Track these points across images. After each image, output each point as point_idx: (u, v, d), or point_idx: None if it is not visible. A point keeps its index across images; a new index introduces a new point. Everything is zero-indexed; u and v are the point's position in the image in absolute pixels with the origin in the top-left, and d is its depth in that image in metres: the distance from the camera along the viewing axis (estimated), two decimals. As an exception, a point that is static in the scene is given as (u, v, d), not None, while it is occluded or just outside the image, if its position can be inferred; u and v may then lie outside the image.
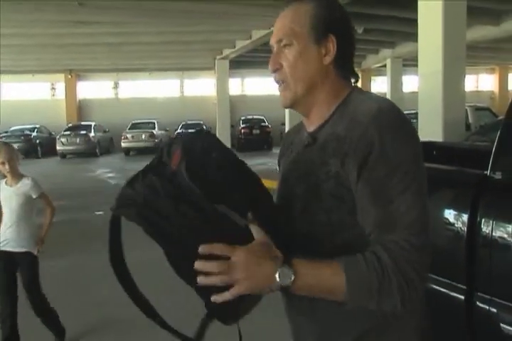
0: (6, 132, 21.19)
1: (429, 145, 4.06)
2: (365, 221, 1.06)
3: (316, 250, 1.10)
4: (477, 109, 12.75)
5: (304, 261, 1.03)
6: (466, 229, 2.14)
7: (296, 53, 1.16)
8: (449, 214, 2.32)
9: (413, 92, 22.66)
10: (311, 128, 1.21)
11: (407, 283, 1.01)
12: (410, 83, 22.66)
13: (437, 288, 2.23)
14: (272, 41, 1.21)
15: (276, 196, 1.27)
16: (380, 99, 1.14)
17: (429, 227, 1.06)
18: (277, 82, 1.20)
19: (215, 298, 0.99)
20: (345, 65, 1.19)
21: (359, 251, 1.04)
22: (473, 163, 2.57)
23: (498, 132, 2.34)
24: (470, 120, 11.26)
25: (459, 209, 2.27)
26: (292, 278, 1.00)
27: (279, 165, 1.35)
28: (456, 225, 2.23)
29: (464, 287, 2.12)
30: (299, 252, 1.07)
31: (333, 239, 1.11)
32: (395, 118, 1.09)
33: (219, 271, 0.98)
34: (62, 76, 24.49)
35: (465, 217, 2.17)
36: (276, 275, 1.00)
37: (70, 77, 24.63)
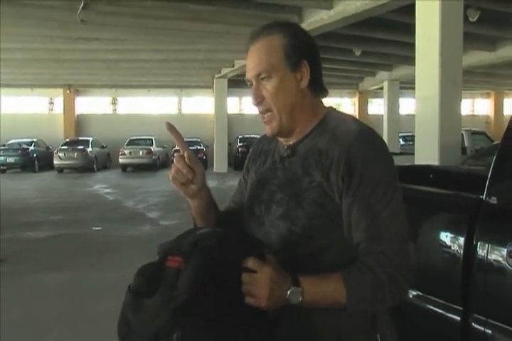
0: (4, 145, 21.15)
1: (426, 168, 4.13)
2: (355, 233, 1.17)
3: (295, 251, 1.20)
4: (473, 133, 12.88)
5: (308, 279, 1.12)
6: (462, 251, 2.19)
7: (275, 84, 1.23)
8: (446, 237, 2.38)
9: (409, 115, 22.89)
10: (289, 141, 1.29)
11: (397, 287, 1.15)
12: (407, 105, 22.91)
13: (433, 308, 2.28)
14: (250, 75, 1.26)
15: (246, 196, 1.36)
16: (357, 120, 1.27)
17: (407, 235, 1.20)
18: (262, 112, 1.27)
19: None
20: (318, 84, 1.28)
21: (336, 253, 1.19)
22: (469, 187, 2.62)
23: (494, 157, 2.39)
24: (466, 144, 11.36)
25: (455, 232, 2.32)
26: (300, 298, 1.10)
27: (247, 169, 1.42)
28: (452, 248, 2.28)
29: (460, 308, 2.16)
30: (278, 253, 1.16)
31: (312, 241, 1.20)
32: (374, 140, 1.21)
33: (245, 281, 1.08)
34: (60, 91, 24.55)
35: (461, 240, 2.23)
36: (288, 294, 1.10)
37: (68, 92, 24.69)
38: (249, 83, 1.28)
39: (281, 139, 1.31)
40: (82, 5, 8.68)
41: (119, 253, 6.51)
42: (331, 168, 1.17)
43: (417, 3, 6.77)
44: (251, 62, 1.26)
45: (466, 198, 2.47)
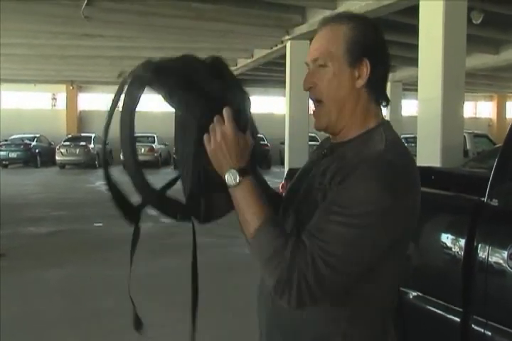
0: (6, 140, 21.21)
1: (428, 170, 4.14)
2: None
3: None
4: (475, 135, 12.85)
5: (251, 186, 1.14)
6: (463, 253, 2.20)
7: (330, 75, 1.18)
8: (447, 238, 2.39)
9: (412, 116, 22.88)
10: (336, 140, 1.26)
11: (299, 278, 1.04)
12: (409, 107, 22.91)
13: (433, 309, 2.29)
14: (308, 59, 1.23)
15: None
16: (395, 145, 1.15)
17: (342, 269, 1.06)
18: (314, 101, 1.23)
19: None
20: (377, 89, 1.21)
21: None
22: (471, 189, 2.64)
23: (496, 160, 2.41)
24: (468, 146, 11.35)
25: (456, 233, 2.34)
26: (232, 184, 1.14)
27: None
28: (453, 249, 2.30)
29: (460, 310, 2.18)
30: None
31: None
32: (382, 172, 1.08)
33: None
34: (63, 87, 24.57)
35: (462, 242, 2.24)
36: (226, 173, 1.14)
37: (71, 88, 24.71)
38: (307, 66, 1.25)
39: (331, 136, 1.29)
40: (86, 1, 8.70)
41: (120, 250, 6.46)
42: (336, 175, 1.14)
43: (420, 4, 6.77)
44: (312, 46, 1.23)
45: (468, 200, 2.48)
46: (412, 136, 15.50)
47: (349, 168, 1.10)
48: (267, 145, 20.82)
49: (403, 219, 1.11)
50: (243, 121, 1.17)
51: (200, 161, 1.17)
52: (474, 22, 9.20)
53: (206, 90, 1.14)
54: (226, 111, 1.14)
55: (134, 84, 1.16)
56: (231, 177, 1.14)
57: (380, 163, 1.09)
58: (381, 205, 1.05)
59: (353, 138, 1.20)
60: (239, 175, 1.13)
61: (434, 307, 2.29)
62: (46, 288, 5.05)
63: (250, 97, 1.24)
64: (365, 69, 1.17)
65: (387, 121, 1.24)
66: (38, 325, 4.08)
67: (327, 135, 1.31)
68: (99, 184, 15.09)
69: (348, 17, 1.22)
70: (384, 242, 1.09)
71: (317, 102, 1.22)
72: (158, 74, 1.15)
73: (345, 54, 1.17)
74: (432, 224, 2.57)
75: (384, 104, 1.24)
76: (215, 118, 1.14)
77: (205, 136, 1.16)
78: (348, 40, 1.17)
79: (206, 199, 1.21)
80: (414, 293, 2.40)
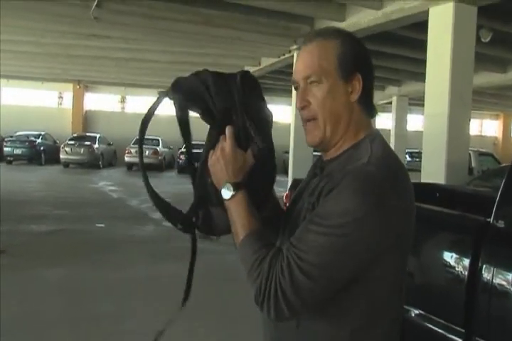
0: (11, 137, 21.22)
1: (432, 186, 4.16)
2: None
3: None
4: (480, 154, 12.82)
5: (243, 200, 1.18)
6: (467, 273, 2.21)
7: (324, 91, 1.17)
8: (450, 258, 2.40)
9: (417, 131, 22.90)
10: (327, 157, 1.26)
11: (276, 287, 1.06)
12: (415, 122, 22.93)
13: (435, 328, 2.29)
14: (298, 77, 1.20)
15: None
16: (378, 157, 1.14)
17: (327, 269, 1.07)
18: (306, 119, 1.21)
19: None
20: (367, 101, 1.21)
21: None
22: (475, 208, 2.64)
23: (503, 180, 2.40)
24: (473, 164, 11.32)
25: (461, 253, 2.34)
26: (226, 198, 1.19)
27: None
28: (456, 268, 2.30)
29: (463, 330, 2.18)
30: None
31: None
32: (364, 184, 1.08)
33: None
34: (70, 86, 24.58)
35: (466, 262, 2.25)
36: (222, 187, 1.20)
37: (78, 87, 24.74)
38: (294, 86, 1.23)
39: (322, 153, 1.28)
40: (95, 2, 8.76)
41: (121, 252, 6.54)
42: (321, 194, 1.14)
43: (429, 20, 6.81)
44: (301, 64, 1.20)
45: (473, 220, 2.48)
46: (416, 150, 15.54)
47: (334, 183, 1.11)
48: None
49: (383, 230, 1.09)
50: (246, 138, 1.21)
51: (205, 175, 1.24)
52: (483, 40, 9.23)
53: (211, 109, 1.22)
54: (228, 129, 1.20)
55: (158, 99, 1.28)
56: (226, 191, 1.19)
57: (360, 176, 1.09)
58: (357, 216, 1.05)
59: (341, 154, 1.21)
60: (233, 189, 1.19)
61: (436, 326, 2.29)
62: (46, 287, 5.04)
63: (272, 118, 1.27)
64: (358, 83, 1.18)
65: (376, 131, 1.24)
66: (38, 324, 4.06)
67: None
68: (103, 184, 15.12)
69: (334, 32, 1.22)
70: (362, 252, 1.08)
71: (310, 120, 1.21)
72: (174, 91, 1.25)
73: (338, 69, 1.17)
74: (436, 241, 2.58)
75: (374, 114, 1.25)
76: (221, 137, 1.21)
77: (211, 152, 1.23)
78: (339, 55, 1.17)
79: (205, 212, 1.27)
80: (416, 311, 2.40)
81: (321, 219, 1.08)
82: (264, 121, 1.24)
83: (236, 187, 1.19)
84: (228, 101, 1.20)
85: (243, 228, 1.17)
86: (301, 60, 1.21)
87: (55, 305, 4.54)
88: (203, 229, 1.29)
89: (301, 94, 1.20)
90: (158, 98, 1.27)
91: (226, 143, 1.20)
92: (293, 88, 1.27)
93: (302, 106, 1.20)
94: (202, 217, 1.27)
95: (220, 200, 1.21)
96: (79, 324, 4.15)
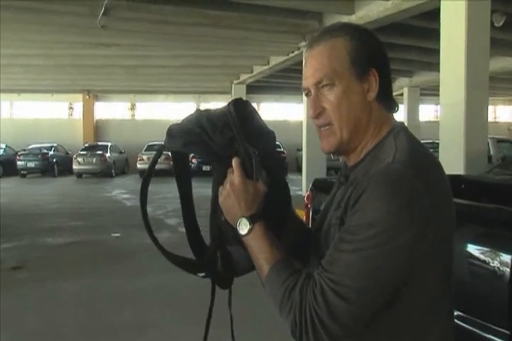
0: (24, 150, 21.45)
1: (457, 178, 3.99)
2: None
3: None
4: (498, 141, 12.61)
5: (262, 233, 1.08)
6: (509, 270, 2.05)
7: (339, 93, 1.07)
8: (489, 254, 2.24)
9: (429, 122, 22.66)
10: (350, 162, 1.15)
11: (311, 316, 0.96)
12: (427, 112, 22.68)
13: (477, 331, 2.14)
14: (308, 83, 1.11)
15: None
16: (404, 152, 1.02)
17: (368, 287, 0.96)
18: (320, 125, 1.11)
19: None
20: (386, 97, 1.12)
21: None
22: (504, 199, 2.49)
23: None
24: (492, 152, 11.12)
25: (499, 249, 2.19)
26: (243, 233, 1.10)
27: None
28: (497, 266, 2.15)
29: (507, 332, 2.03)
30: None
31: None
32: (387, 186, 0.96)
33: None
34: (80, 96, 24.83)
35: (507, 258, 2.09)
36: (238, 223, 1.10)
37: (87, 97, 24.97)
38: (305, 92, 1.13)
39: (345, 159, 1.17)
40: (102, 11, 8.72)
41: (139, 261, 6.43)
42: (349, 205, 1.03)
43: (442, 7, 6.64)
44: (310, 69, 1.10)
45: (509, 213, 2.34)
46: (430, 141, 15.27)
47: (359, 191, 1.00)
48: (283, 152, 20.72)
49: (419, 234, 0.96)
50: (253, 166, 1.13)
51: (218, 214, 1.16)
52: (496, 25, 9.04)
53: (213, 148, 1.14)
54: (234, 162, 1.11)
55: (156, 154, 1.26)
56: (242, 226, 1.10)
57: (385, 178, 0.98)
58: (388, 224, 0.94)
59: (364, 157, 1.10)
60: (249, 223, 1.10)
61: (478, 328, 2.13)
62: (65, 300, 4.99)
63: (274, 135, 1.19)
64: (374, 79, 1.08)
65: (400, 124, 1.13)
66: (59, 338, 4.02)
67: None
68: (116, 193, 15.10)
69: (341, 28, 1.11)
70: (401, 263, 0.96)
71: (325, 125, 1.10)
72: (169, 139, 1.18)
73: (351, 68, 1.07)
74: (470, 238, 2.42)
75: (394, 108, 1.15)
76: (228, 171, 1.12)
77: (220, 188, 1.14)
78: (350, 52, 1.07)
79: (224, 252, 1.19)
80: (456, 313, 2.24)
81: (351, 235, 0.98)
82: (266, 143, 1.17)
83: (252, 220, 1.10)
84: (227, 134, 1.12)
85: (267, 261, 1.07)
86: (310, 64, 1.11)
87: (74, 317, 4.50)
88: (225, 273, 1.21)
89: (313, 102, 1.10)
90: (156, 153, 1.24)
91: (234, 175, 1.10)
92: (303, 95, 1.15)
93: (316, 114, 1.10)
94: (221, 259, 1.19)
95: (238, 238, 1.12)
96: (100, 336, 4.08)
